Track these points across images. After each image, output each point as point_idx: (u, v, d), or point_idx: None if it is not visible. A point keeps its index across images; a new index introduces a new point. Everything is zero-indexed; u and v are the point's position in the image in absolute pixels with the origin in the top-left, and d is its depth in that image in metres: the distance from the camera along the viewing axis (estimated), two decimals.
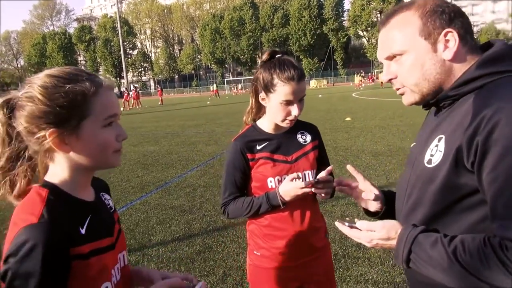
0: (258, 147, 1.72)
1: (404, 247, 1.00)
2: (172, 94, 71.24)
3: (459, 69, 1.02)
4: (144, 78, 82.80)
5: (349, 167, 1.33)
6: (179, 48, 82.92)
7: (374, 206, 1.34)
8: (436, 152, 1.00)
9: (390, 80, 1.11)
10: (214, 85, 47.77)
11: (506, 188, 0.85)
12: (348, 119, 13.01)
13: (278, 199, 1.63)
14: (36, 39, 79.08)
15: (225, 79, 63.80)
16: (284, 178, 1.69)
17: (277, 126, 1.73)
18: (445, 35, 0.99)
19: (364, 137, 9.36)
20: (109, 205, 1.17)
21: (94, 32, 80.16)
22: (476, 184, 0.92)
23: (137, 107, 31.21)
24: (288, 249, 1.72)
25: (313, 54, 64.67)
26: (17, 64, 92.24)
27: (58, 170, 1.01)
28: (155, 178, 6.93)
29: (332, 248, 3.68)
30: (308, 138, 1.80)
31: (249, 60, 68.08)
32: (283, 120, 1.64)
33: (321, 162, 1.82)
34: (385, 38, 1.08)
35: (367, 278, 3.12)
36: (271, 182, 1.70)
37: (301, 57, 64.21)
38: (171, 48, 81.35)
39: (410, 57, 1.03)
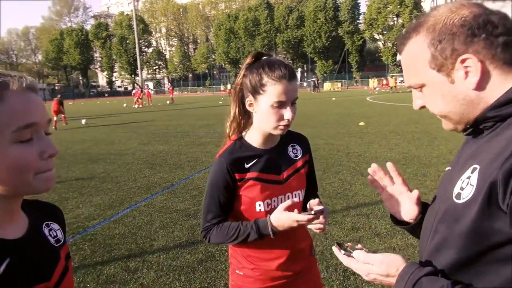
0: (247, 166, 1.52)
1: None
2: (186, 92, 71.52)
3: (495, 91, 0.83)
4: (158, 76, 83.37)
5: (389, 165, 1.17)
6: (194, 47, 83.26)
7: (404, 216, 1.14)
8: (467, 186, 0.82)
9: (422, 107, 0.96)
10: (228, 85, 47.65)
11: None
12: (362, 123, 12.72)
13: (269, 230, 1.45)
14: (54, 35, 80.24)
15: None
16: (274, 201, 1.54)
17: (266, 140, 1.54)
18: (462, 62, 0.82)
19: (378, 144, 9.09)
20: (55, 237, 0.93)
21: (110, 29, 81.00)
22: None
23: (139, 106, 30.42)
24: (272, 269, 1.58)
25: (328, 57, 64.11)
26: (35, 59, 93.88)
27: None
28: (162, 179, 6.79)
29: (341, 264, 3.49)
30: (299, 152, 1.64)
31: None
32: (276, 127, 1.44)
33: (309, 178, 1.68)
34: (403, 67, 0.96)
35: None
36: (259, 206, 1.52)
37: (315, 59, 63.78)
38: (185, 47, 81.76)
39: (428, 90, 0.91)
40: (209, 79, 74.73)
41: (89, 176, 7.23)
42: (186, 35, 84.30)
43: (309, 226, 1.48)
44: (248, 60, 1.49)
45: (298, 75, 71.46)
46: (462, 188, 0.83)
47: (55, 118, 16.75)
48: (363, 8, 63.62)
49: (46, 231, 0.91)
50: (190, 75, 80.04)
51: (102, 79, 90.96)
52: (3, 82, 0.76)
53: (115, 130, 14.75)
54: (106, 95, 72.26)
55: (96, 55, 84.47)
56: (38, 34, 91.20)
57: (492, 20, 0.81)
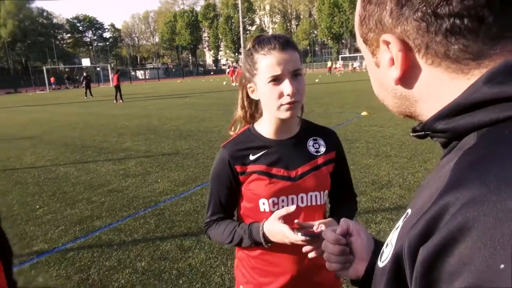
0: (252, 157, 1.34)
1: None
2: None
3: (442, 90, 0.50)
4: None
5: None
6: (296, 23, 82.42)
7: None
8: (389, 243, 0.52)
9: None
10: (338, 62, 46.23)
11: None
12: None
13: (261, 237, 1.25)
14: (168, 17, 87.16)
15: (340, 56, 61.36)
16: (283, 200, 1.31)
17: (279, 129, 1.34)
18: (385, 44, 0.53)
19: None
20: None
21: (217, 9, 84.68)
22: None
23: (237, 84, 31.22)
24: (283, 285, 1.35)
25: None
26: (153, 41, 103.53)
27: None
28: None
29: None
30: (322, 148, 1.39)
31: None
32: (279, 107, 1.25)
33: (336, 180, 1.40)
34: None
35: None
36: (264, 205, 1.32)
37: None
38: (288, 24, 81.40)
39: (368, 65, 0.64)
40: (310, 56, 73.54)
41: (174, 152, 7.69)
42: (289, 11, 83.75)
43: (304, 249, 1.17)
44: (249, 45, 1.32)
45: None
46: (386, 245, 0.53)
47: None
48: None
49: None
50: None
51: (209, 58, 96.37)
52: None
53: (209, 107, 15.47)
54: (212, 73, 76.45)
55: (204, 35, 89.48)
56: (156, 18, 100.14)
57: None
